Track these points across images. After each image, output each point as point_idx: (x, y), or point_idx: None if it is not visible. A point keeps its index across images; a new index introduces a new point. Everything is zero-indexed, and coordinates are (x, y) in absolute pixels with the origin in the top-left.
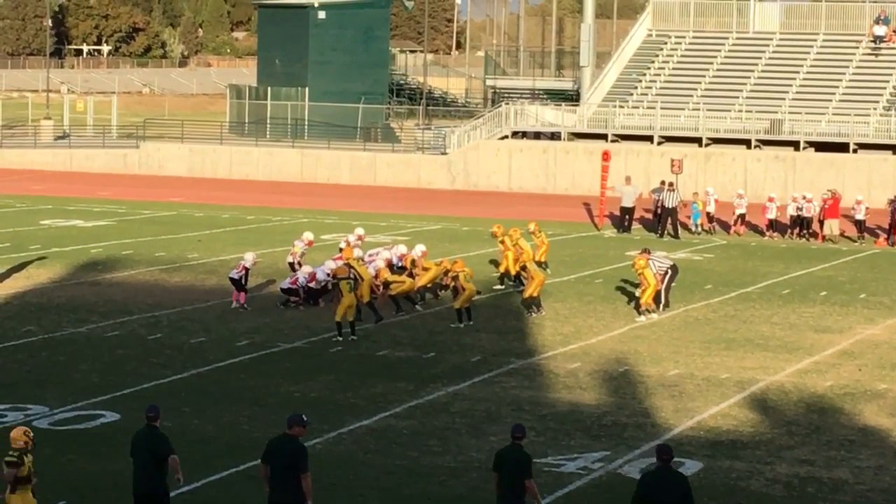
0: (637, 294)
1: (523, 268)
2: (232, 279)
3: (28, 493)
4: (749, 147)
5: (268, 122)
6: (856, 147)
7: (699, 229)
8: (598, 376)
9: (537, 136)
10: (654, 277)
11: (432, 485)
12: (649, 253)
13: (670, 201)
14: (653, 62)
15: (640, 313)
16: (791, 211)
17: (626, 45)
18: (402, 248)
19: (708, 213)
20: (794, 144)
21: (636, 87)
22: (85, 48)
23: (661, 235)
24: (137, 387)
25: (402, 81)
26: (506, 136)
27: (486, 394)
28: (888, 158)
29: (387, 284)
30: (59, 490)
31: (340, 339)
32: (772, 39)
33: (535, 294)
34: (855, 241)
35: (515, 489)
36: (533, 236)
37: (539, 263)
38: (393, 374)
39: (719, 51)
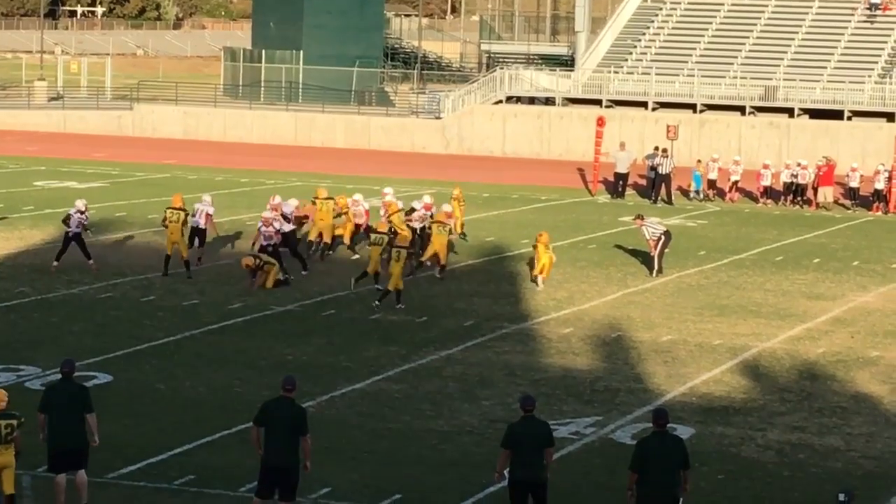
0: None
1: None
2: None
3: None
4: (743, 114)
5: (262, 85)
6: (850, 114)
7: (696, 195)
8: (590, 342)
9: (532, 101)
10: (547, 254)
11: (425, 448)
12: (643, 219)
13: (664, 167)
14: (648, 28)
15: (537, 283)
16: (785, 178)
17: (622, 10)
18: (390, 198)
19: (710, 180)
20: (789, 111)
21: (631, 53)
22: (79, 9)
23: (655, 201)
24: (130, 348)
25: (396, 45)
26: (500, 101)
27: (479, 358)
28: (882, 126)
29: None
30: None
31: (378, 304)
32: (767, 6)
33: (424, 258)
34: (848, 209)
35: (539, 462)
36: (454, 202)
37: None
38: (386, 338)
39: (714, 17)
